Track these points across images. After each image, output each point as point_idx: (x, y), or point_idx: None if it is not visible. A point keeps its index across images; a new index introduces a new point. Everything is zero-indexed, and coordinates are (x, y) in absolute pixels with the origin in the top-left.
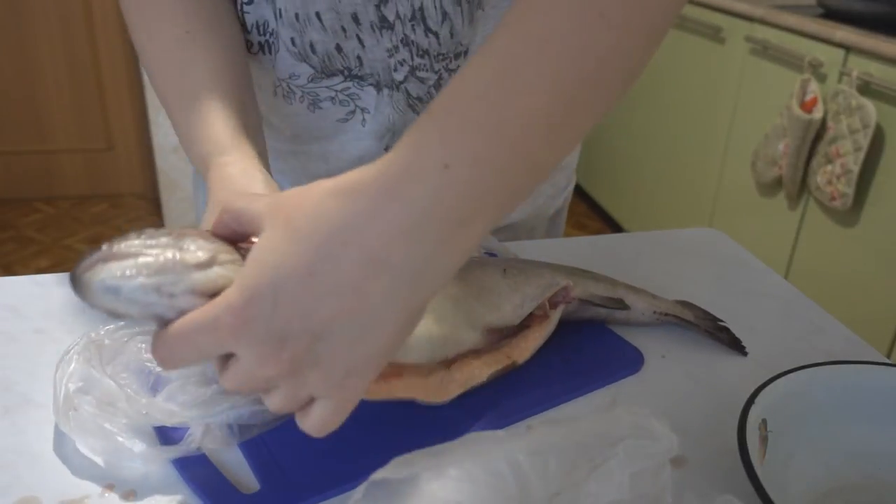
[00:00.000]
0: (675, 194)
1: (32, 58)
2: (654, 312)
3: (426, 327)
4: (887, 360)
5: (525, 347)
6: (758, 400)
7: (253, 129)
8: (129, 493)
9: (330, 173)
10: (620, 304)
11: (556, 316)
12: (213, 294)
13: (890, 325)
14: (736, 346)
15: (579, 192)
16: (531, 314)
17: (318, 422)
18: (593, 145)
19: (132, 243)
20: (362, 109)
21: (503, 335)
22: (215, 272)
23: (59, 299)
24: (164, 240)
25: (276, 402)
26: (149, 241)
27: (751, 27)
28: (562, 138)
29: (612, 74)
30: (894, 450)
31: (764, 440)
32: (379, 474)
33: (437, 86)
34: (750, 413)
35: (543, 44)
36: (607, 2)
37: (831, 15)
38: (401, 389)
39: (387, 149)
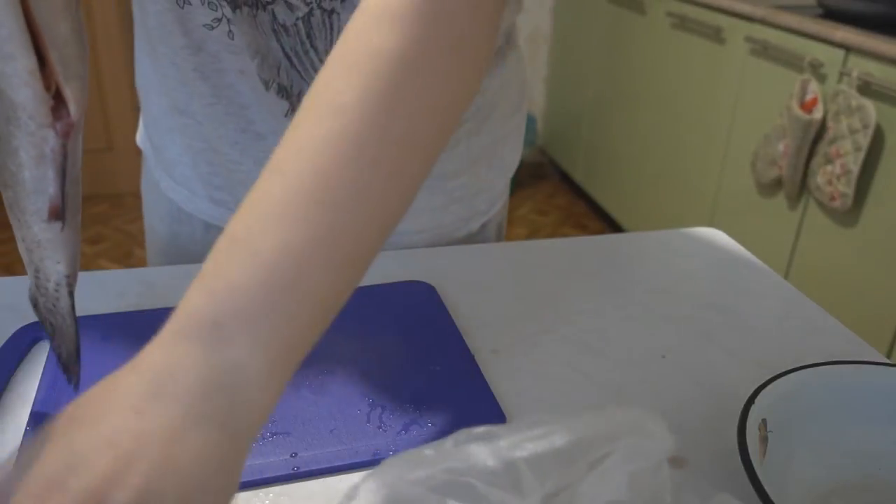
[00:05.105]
0: (675, 194)
1: None
2: None
3: None
4: (887, 360)
5: None
6: (758, 400)
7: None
8: None
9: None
10: None
11: None
12: None
13: (890, 325)
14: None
15: (579, 192)
16: None
17: None
18: (594, 145)
19: None
20: (228, 20)
21: None
22: None
23: None
24: None
25: None
26: None
27: (751, 27)
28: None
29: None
30: (894, 450)
31: (764, 440)
32: (372, 475)
33: (307, 21)
34: (750, 413)
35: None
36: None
37: (831, 15)
38: None
39: (266, 83)
